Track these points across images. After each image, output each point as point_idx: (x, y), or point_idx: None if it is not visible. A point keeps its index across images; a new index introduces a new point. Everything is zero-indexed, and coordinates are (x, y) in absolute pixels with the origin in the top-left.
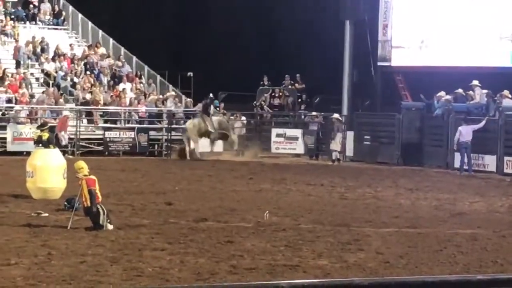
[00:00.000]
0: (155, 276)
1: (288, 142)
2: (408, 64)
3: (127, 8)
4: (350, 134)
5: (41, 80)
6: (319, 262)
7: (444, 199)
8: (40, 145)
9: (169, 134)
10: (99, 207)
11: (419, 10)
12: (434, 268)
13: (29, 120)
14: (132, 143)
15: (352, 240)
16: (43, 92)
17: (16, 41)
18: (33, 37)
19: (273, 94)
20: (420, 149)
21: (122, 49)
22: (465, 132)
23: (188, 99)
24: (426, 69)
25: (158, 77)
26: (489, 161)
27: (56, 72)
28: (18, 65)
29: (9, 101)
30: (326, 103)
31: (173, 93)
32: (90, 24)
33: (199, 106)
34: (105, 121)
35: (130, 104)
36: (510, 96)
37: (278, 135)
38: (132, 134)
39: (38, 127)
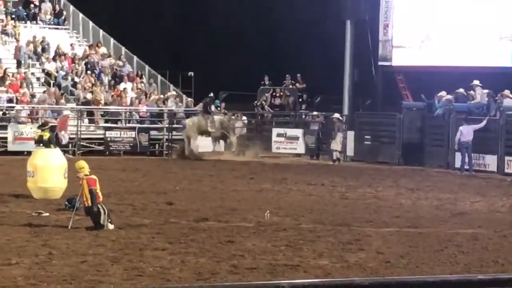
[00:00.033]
0: (156, 275)
1: (288, 142)
2: (409, 64)
3: (128, 8)
4: (350, 134)
5: (42, 80)
6: (320, 262)
7: (445, 199)
8: (41, 144)
9: (170, 134)
10: (100, 206)
11: (420, 9)
12: (435, 268)
13: (30, 120)
14: (133, 143)
15: (353, 240)
16: (44, 92)
17: (17, 40)
18: (34, 37)
19: (274, 93)
20: (421, 149)
21: (123, 49)
22: (466, 132)
23: (189, 99)
24: (427, 69)
25: (159, 76)
26: (490, 161)
27: (57, 71)
28: (19, 64)
29: (10, 100)
30: (327, 102)
31: (174, 92)
32: (91, 23)
33: (200, 105)
34: (106, 121)
35: (131, 104)
36: (511, 96)
37: (279, 135)
38: (133, 133)
39: (39, 127)
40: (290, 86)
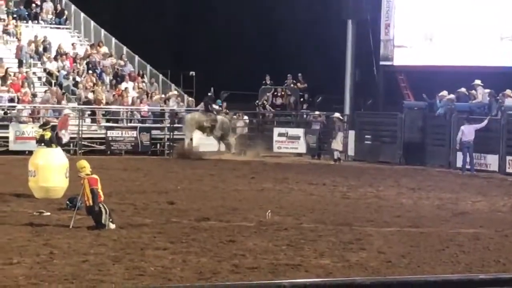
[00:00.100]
0: (157, 275)
1: (290, 141)
2: (410, 64)
3: (130, 7)
4: (352, 134)
5: (43, 79)
6: (321, 262)
7: (446, 199)
8: (42, 144)
9: (172, 133)
10: (101, 206)
11: (421, 9)
12: (436, 268)
13: (31, 119)
14: (134, 142)
15: (354, 239)
16: (45, 92)
17: (19, 40)
18: (36, 36)
19: (275, 93)
20: (422, 149)
21: (125, 48)
22: (467, 132)
23: (190, 98)
24: (428, 69)
25: (161, 76)
26: (491, 161)
27: (58, 71)
28: (20, 64)
29: (11, 100)
30: (328, 102)
31: (175, 92)
32: (92, 23)
33: (201, 105)
34: (107, 121)
35: (133, 103)
36: None
37: (280, 135)
38: (134, 133)
39: (40, 126)
40: (292, 86)
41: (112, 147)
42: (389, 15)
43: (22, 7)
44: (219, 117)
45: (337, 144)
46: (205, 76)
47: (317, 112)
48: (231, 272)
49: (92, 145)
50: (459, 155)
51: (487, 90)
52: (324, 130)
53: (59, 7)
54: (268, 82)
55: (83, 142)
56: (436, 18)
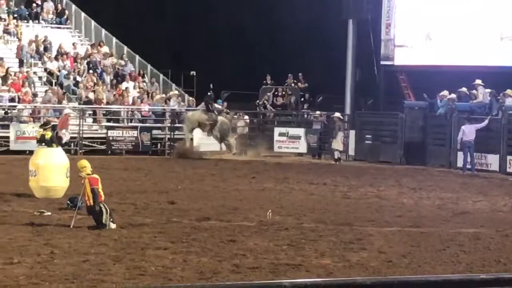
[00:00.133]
0: (158, 275)
1: (290, 141)
2: (411, 63)
3: (130, 7)
4: (352, 133)
5: (44, 79)
6: (322, 261)
7: (447, 198)
8: (43, 144)
9: (172, 133)
10: (102, 206)
11: (422, 9)
12: (437, 268)
13: (32, 119)
14: (135, 142)
15: (354, 239)
16: (46, 91)
17: (19, 40)
18: (36, 36)
19: (276, 93)
20: (423, 148)
21: (125, 48)
22: (468, 131)
23: (191, 98)
24: (429, 68)
25: (161, 76)
26: (492, 160)
27: (59, 71)
28: (21, 64)
29: (12, 100)
30: (329, 102)
31: (176, 92)
32: (93, 23)
33: (202, 105)
34: (108, 120)
35: (133, 103)
36: None
37: (280, 134)
38: (135, 133)
39: (41, 126)
40: (292, 86)
41: (113, 147)
42: (389, 15)
43: (22, 7)
44: (219, 118)
45: (337, 144)
46: (206, 76)
47: (318, 112)
48: (232, 272)
49: (93, 145)
50: (460, 155)
51: (488, 90)
52: (325, 130)
53: (59, 6)
54: (269, 81)
55: (83, 142)
56: (437, 17)
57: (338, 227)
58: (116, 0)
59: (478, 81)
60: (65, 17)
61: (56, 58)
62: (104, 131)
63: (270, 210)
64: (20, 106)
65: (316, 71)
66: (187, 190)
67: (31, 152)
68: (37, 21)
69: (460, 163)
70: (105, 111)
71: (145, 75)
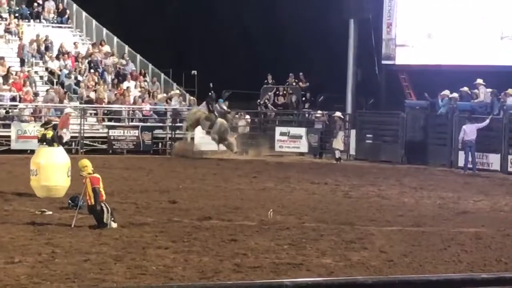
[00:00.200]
0: (159, 274)
1: (292, 140)
2: (412, 63)
3: (131, 6)
4: (353, 133)
5: (45, 79)
6: (323, 261)
7: (448, 198)
8: (44, 143)
9: (173, 132)
10: (103, 205)
11: (423, 8)
12: (438, 267)
13: (33, 118)
14: (136, 142)
15: (356, 238)
16: (47, 91)
17: (20, 39)
18: (37, 35)
19: (277, 92)
20: (424, 148)
21: (126, 47)
22: (469, 131)
23: (192, 98)
24: (430, 68)
25: (162, 75)
26: (493, 160)
27: (60, 70)
28: (22, 63)
29: (13, 99)
30: (330, 101)
31: (177, 91)
32: (94, 22)
33: (203, 105)
34: (109, 120)
35: (134, 103)
36: None
37: (282, 134)
38: (136, 132)
39: (42, 125)
40: (293, 85)
41: (114, 146)
42: (391, 14)
43: (24, 6)
44: (218, 120)
45: (338, 143)
46: (207, 75)
47: (319, 111)
48: (233, 271)
49: (94, 144)
50: (461, 154)
51: (489, 90)
52: (326, 130)
53: (61, 6)
54: (270, 81)
55: (85, 141)
56: (438, 17)
57: (339, 227)
58: None
59: (480, 81)
60: (66, 16)
61: (57, 58)
62: (105, 130)
63: (271, 210)
64: (21, 105)
65: (317, 70)
66: (188, 189)
67: (32, 152)
68: (38, 21)
69: (461, 163)
70: (106, 111)
71: (146, 75)
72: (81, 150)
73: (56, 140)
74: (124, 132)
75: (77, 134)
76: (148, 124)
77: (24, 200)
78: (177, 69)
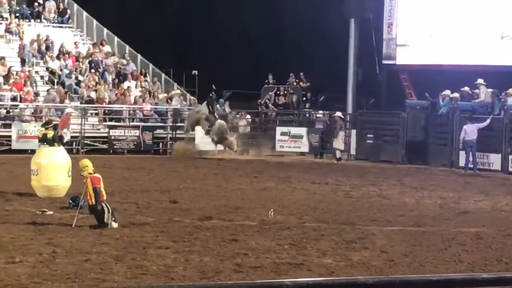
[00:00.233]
0: (160, 274)
1: (292, 140)
2: (413, 63)
3: (132, 6)
4: (354, 133)
5: (46, 78)
6: (324, 261)
7: (449, 198)
8: (45, 143)
9: (174, 132)
10: (103, 205)
11: (423, 8)
12: (439, 267)
13: (33, 118)
14: (136, 141)
15: (356, 238)
16: (48, 91)
17: (21, 39)
18: (38, 35)
19: (277, 92)
20: (425, 148)
21: (127, 47)
22: (470, 131)
23: (193, 98)
24: (431, 68)
25: (163, 75)
26: (494, 160)
27: (61, 70)
28: (23, 63)
29: (14, 99)
30: (331, 101)
31: (178, 91)
32: (95, 22)
33: (204, 105)
34: (110, 119)
35: (135, 103)
36: None
37: (282, 134)
38: (136, 132)
39: (42, 125)
40: (294, 85)
41: (115, 146)
42: (391, 14)
43: (24, 6)
44: (217, 121)
45: (338, 143)
46: (208, 75)
47: (320, 111)
48: (234, 271)
49: (95, 144)
50: (462, 154)
51: (490, 89)
52: (327, 129)
53: (61, 6)
54: (271, 81)
55: (85, 141)
56: (439, 17)
57: (340, 226)
58: None
59: (480, 81)
60: (67, 16)
61: (58, 57)
62: (106, 130)
63: (272, 210)
64: (22, 105)
65: (318, 70)
66: (189, 189)
67: (33, 151)
68: (39, 20)
69: (462, 163)
70: (107, 111)
71: (147, 74)
72: (82, 150)
73: (56, 140)
74: (124, 132)
75: (77, 134)
76: (149, 124)
77: (25, 200)
78: (177, 69)
